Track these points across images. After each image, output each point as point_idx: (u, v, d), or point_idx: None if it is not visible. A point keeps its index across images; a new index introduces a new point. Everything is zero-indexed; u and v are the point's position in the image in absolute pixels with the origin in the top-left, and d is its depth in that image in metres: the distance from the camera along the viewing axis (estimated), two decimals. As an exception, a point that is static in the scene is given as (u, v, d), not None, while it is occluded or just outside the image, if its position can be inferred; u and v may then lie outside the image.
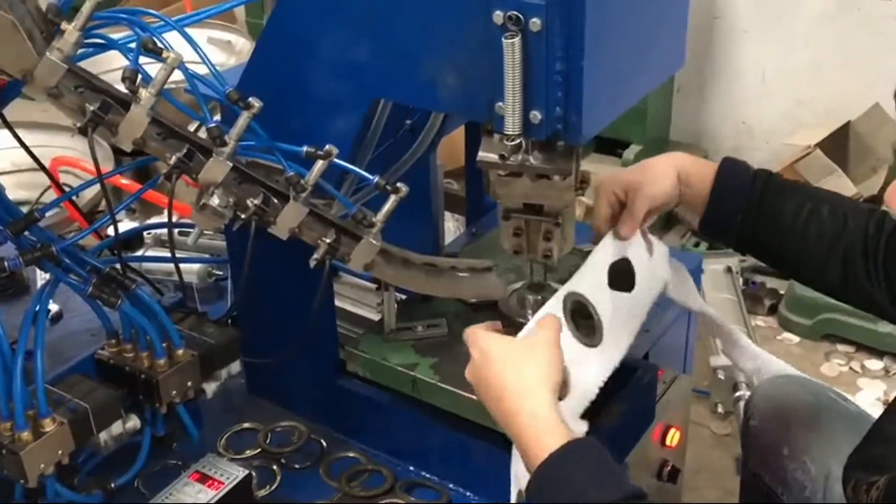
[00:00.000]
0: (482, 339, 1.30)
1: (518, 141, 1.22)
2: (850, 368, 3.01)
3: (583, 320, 1.41)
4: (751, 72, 4.10)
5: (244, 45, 3.59)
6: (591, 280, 1.46)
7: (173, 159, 1.32)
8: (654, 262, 1.55)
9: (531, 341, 1.30)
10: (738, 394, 2.70)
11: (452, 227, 2.60)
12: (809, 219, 1.51)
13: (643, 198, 1.51)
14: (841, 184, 3.53)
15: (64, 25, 1.24)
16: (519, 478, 1.32)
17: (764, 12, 3.95)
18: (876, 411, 1.52)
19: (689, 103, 4.31)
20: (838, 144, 3.65)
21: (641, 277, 1.51)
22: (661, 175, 1.55)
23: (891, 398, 1.43)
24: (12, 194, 2.00)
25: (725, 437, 2.75)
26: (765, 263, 1.67)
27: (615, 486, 1.14)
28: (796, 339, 3.14)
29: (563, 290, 1.43)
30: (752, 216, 1.53)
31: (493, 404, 1.26)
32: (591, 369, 1.38)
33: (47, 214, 1.49)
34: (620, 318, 1.45)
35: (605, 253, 1.48)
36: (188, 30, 1.32)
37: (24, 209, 1.45)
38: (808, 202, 1.52)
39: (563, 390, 1.28)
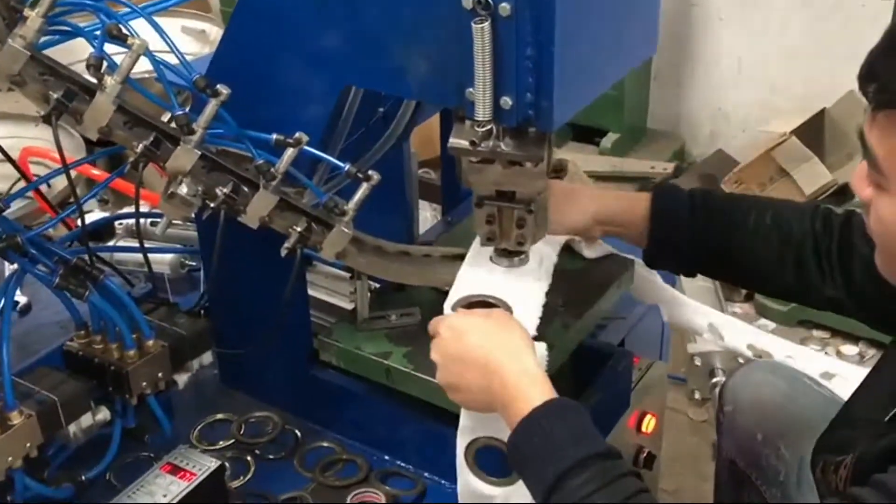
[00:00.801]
0: (447, 318, 1.35)
1: (489, 127, 1.21)
2: (826, 354, 3.02)
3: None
4: (727, 59, 4.12)
5: (218, 34, 3.54)
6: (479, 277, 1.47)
7: (140, 147, 1.31)
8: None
9: (493, 315, 1.34)
10: (714, 380, 2.72)
11: (430, 216, 2.59)
12: (755, 229, 1.51)
13: (552, 222, 1.48)
14: (816, 170, 3.55)
15: (27, 12, 1.23)
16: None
17: (740, 0, 3.97)
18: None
19: (666, 91, 4.33)
20: (814, 131, 3.67)
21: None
22: (578, 209, 1.56)
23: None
24: (-19, 185, 1.98)
25: (702, 424, 2.77)
26: (719, 280, 1.67)
27: (592, 442, 1.17)
28: (772, 325, 3.16)
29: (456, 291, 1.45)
30: (697, 239, 1.53)
31: (474, 374, 1.27)
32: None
33: (15, 205, 1.47)
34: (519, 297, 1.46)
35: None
36: (160, 18, 1.31)
37: (-7, 201, 1.42)
38: (751, 213, 1.52)
39: None
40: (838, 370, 1.73)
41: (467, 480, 1.39)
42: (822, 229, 1.47)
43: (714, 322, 1.73)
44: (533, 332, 1.36)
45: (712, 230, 1.52)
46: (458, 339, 1.29)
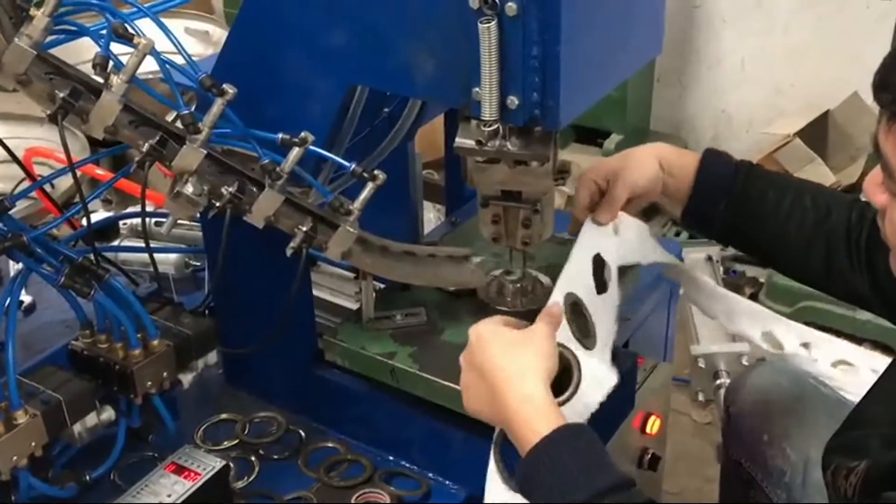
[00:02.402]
0: (482, 324, 1.32)
1: (495, 126, 1.21)
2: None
3: (577, 318, 1.41)
4: (730, 61, 4.11)
5: (222, 36, 3.55)
6: (581, 281, 1.45)
7: (146, 147, 1.31)
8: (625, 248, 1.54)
9: (529, 331, 1.30)
10: (718, 382, 2.71)
11: (433, 217, 2.60)
12: (792, 209, 1.51)
13: (623, 184, 1.50)
14: (820, 172, 3.55)
15: (33, 11, 1.23)
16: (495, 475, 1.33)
17: (743, 1, 3.96)
18: (855, 398, 1.52)
19: (670, 92, 4.32)
20: (817, 133, 3.66)
21: (613, 274, 1.50)
22: (643, 163, 1.55)
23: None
24: (-14, 186, 1.98)
25: (706, 426, 2.76)
26: (747, 254, 1.67)
27: (603, 473, 1.14)
28: (776, 326, 3.15)
29: (561, 286, 1.42)
30: (734, 206, 1.53)
31: (483, 387, 1.25)
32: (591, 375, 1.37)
33: (19, 205, 1.47)
34: (603, 319, 1.45)
35: (586, 248, 1.48)
36: (164, 19, 1.31)
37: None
38: (791, 192, 1.52)
39: (571, 388, 1.30)
40: (856, 359, 1.71)
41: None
42: (857, 220, 1.48)
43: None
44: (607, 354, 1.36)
45: (750, 201, 1.53)
46: (480, 349, 1.27)
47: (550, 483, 1.14)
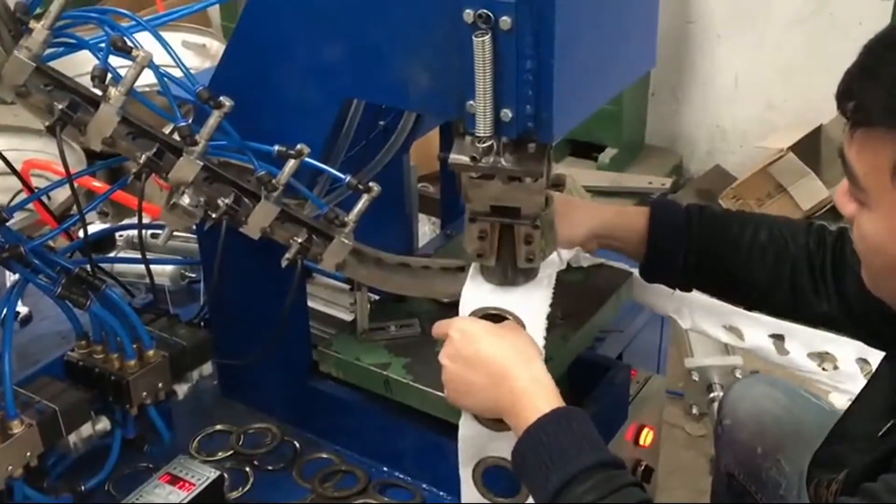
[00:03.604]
0: (457, 322, 1.34)
1: (490, 142, 1.22)
2: (823, 368, 3.02)
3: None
4: (724, 75, 4.13)
5: (219, 49, 3.56)
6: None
7: (143, 158, 1.32)
8: None
9: (506, 323, 1.34)
10: (712, 395, 2.72)
11: (429, 230, 2.60)
12: (751, 245, 1.51)
13: None
14: (813, 187, 3.57)
15: (32, 24, 1.24)
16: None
17: (737, 17, 3.99)
18: (840, 395, 1.54)
19: (664, 107, 4.34)
20: (811, 148, 3.68)
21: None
22: (576, 223, 1.56)
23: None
24: (-17, 197, 1.98)
25: (699, 438, 2.77)
26: (713, 296, 1.66)
27: (595, 451, 1.17)
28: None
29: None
30: (693, 254, 1.54)
31: (476, 377, 1.27)
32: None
33: (18, 217, 1.48)
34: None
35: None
36: (162, 32, 1.32)
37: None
38: (747, 229, 1.53)
39: None
40: (834, 349, 1.70)
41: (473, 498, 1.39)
42: (815, 246, 1.49)
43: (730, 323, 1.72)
44: (541, 342, 1.36)
45: (709, 246, 1.53)
46: (470, 343, 1.29)
47: (544, 458, 1.17)
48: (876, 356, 1.68)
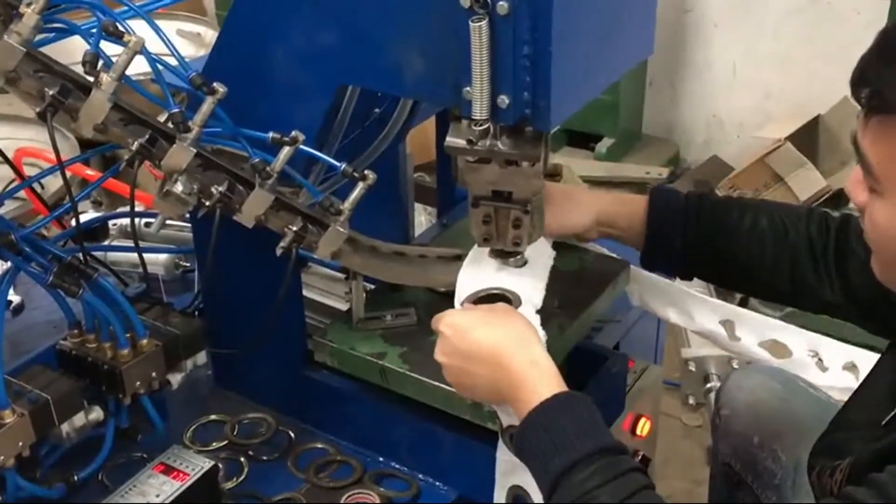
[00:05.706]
0: (446, 317, 1.32)
1: (486, 126, 1.21)
2: (819, 359, 3.02)
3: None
4: (721, 65, 4.13)
5: (213, 37, 3.54)
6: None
7: (135, 145, 1.30)
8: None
9: (495, 309, 1.33)
10: (708, 385, 2.72)
11: (425, 219, 2.60)
12: (751, 232, 1.51)
13: (550, 223, 1.49)
14: (811, 177, 3.56)
15: (23, 9, 1.22)
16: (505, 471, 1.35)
17: (734, 6, 3.98)
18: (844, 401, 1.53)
19: (661, 97, 4.33)
20: (808, 138, 3.68)
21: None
22: (578, 211, 1.56)
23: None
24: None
25: (696, 429, 2.77)
26: (714, 284, 1.65)
27: (597, 436, 1.16)
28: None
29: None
30: (692, 240, 1.53)
31: (477, 370, 1.26)
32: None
33: (10, 205, 1.47)
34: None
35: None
36: (156, 21, 1.30)
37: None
38: (746, 216, 1.52)
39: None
40: (789, 340, 1.70)
41: None
42: (817, 232, 1.47)
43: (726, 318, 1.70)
44: (537, 326, 1.35)
45: (708, 232, 1.52)
46: (462, 337, 1.28)
47: (547, 442, 1.16)
48: (828, 349, 1.69)
